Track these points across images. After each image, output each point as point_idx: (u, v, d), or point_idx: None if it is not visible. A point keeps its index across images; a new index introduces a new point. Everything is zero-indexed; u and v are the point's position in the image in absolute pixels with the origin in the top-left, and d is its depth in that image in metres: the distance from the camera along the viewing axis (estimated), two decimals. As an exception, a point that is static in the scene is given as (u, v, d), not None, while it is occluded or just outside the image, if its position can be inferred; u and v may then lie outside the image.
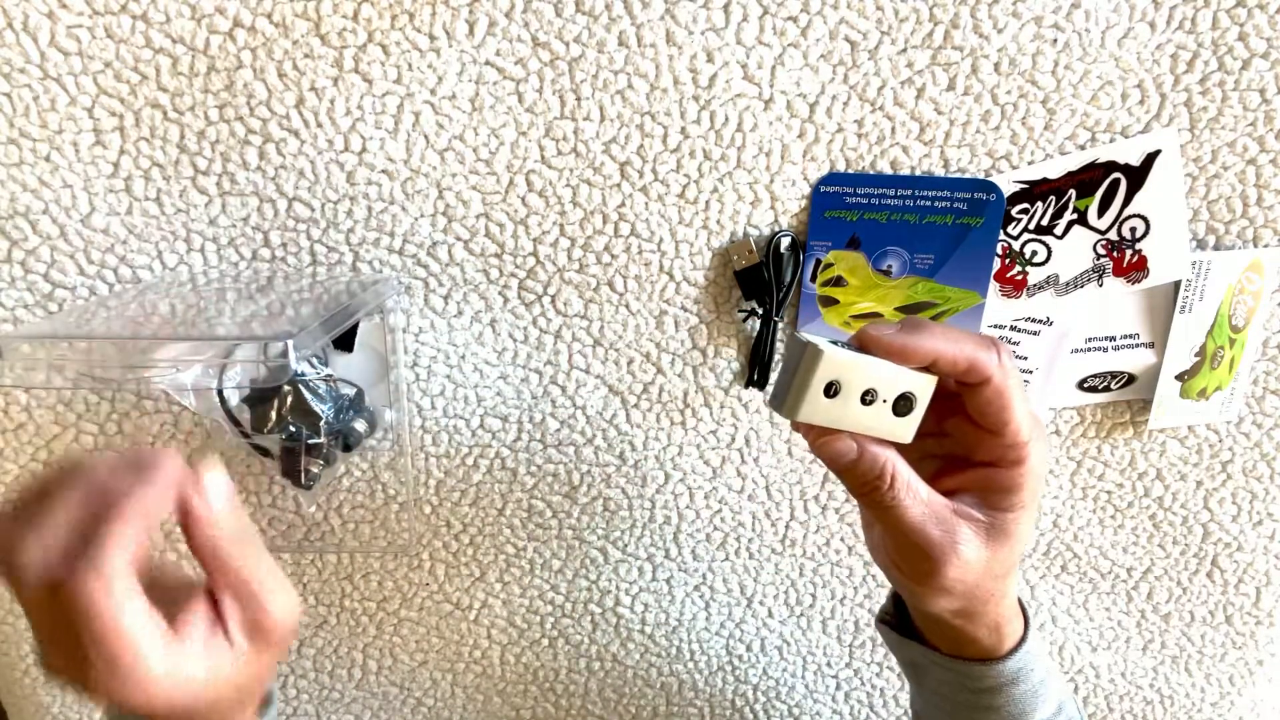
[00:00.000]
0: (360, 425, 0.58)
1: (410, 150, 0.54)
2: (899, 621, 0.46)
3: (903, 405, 0.34)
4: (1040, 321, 0.59)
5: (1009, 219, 0.56)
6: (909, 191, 0.55)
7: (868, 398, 0.33)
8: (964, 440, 0.37)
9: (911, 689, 0.49)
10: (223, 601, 0.32)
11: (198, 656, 0.31)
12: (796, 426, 0.35)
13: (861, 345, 0.34)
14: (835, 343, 0.34)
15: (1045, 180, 0.55)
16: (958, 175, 0.55)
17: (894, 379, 0.34)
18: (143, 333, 0.44)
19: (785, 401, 0.33)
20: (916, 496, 0.35)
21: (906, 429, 0.35)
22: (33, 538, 0.29)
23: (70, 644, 0.29)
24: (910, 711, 0.50)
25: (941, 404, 0.36)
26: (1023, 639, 0.42)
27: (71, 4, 0.50)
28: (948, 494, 0.37)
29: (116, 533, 0.29)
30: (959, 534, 0.35)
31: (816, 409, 0.33)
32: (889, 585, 0.67)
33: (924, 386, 0.34)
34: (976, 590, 0.37)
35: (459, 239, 0.56)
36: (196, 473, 0.32)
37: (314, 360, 0.56)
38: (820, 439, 0.35)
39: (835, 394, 0.33)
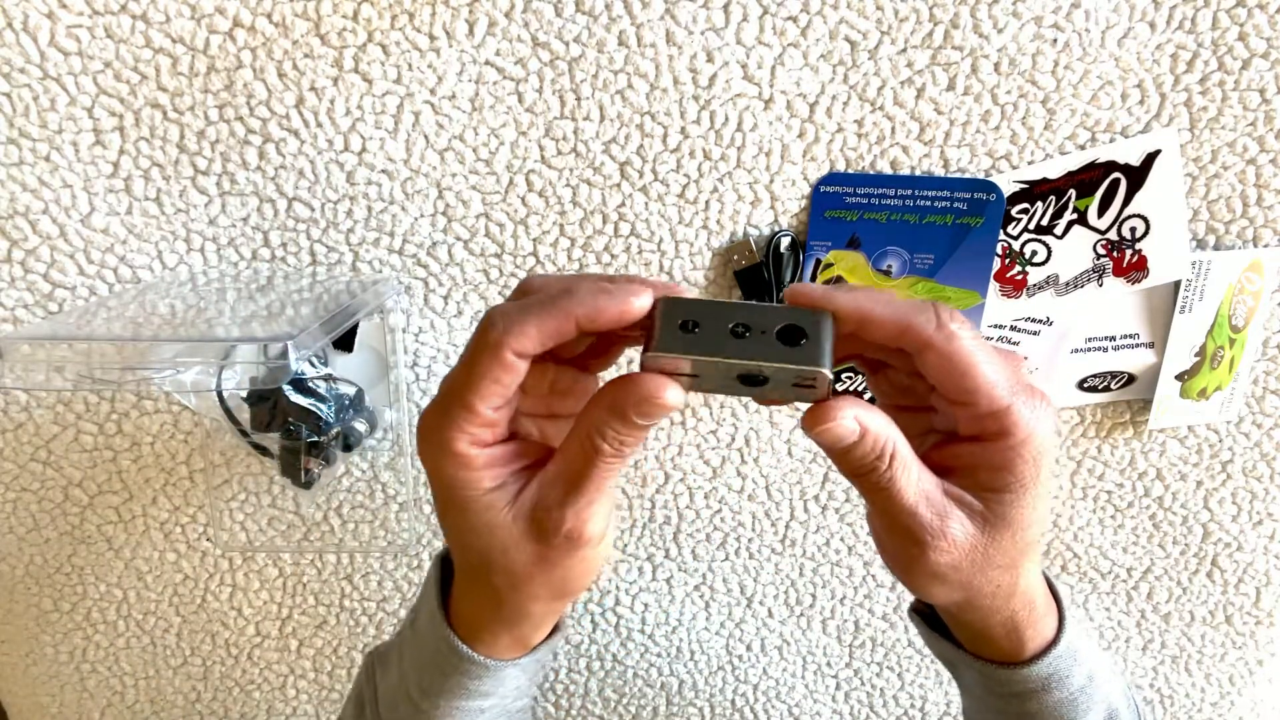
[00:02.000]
0: (360, 425, 0.58)
1: (410, 150, 0.54)
2: (930, 612, 0.42)
3: (791, 335, 0.29)
4: (1040, 321, 0.59)
5: (1009, 219, 0.56)
6: (909, 191, 0.55)
7: (738, 329, 0.29)
8: (945, 415, 0.34)
9: (957, 685, 0.46)
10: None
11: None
12: (652, 367, 0.29)
13: (788, 301, 0.31)
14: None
15: (1045, 180, 0.55)
16: (958, 175, 0.55)
17: (768, 314, 0.29)
18: (143, 333, 0.44)
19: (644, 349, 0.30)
20: (910, 476, 0.32)
21: (811, 356, 0.29)
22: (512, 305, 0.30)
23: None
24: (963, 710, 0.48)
25: (923, 377, 0.33)
26: (1054, 640, 0.38)
27: (71, 4, 0.50)
28: (941, 472, 0.33)
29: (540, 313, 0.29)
30: (949, 515, 0.32)
31: (674, 341, 0.29)
32: (888, 586, 0.67)
33: (813, 318, 0.29)
34: (975, 581, 0.34)
35: (459, 239, 0.56)
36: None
37: (314, 360, 0.56)
38: (821, 423, 0.31)
39: (694, 329, 0.29)
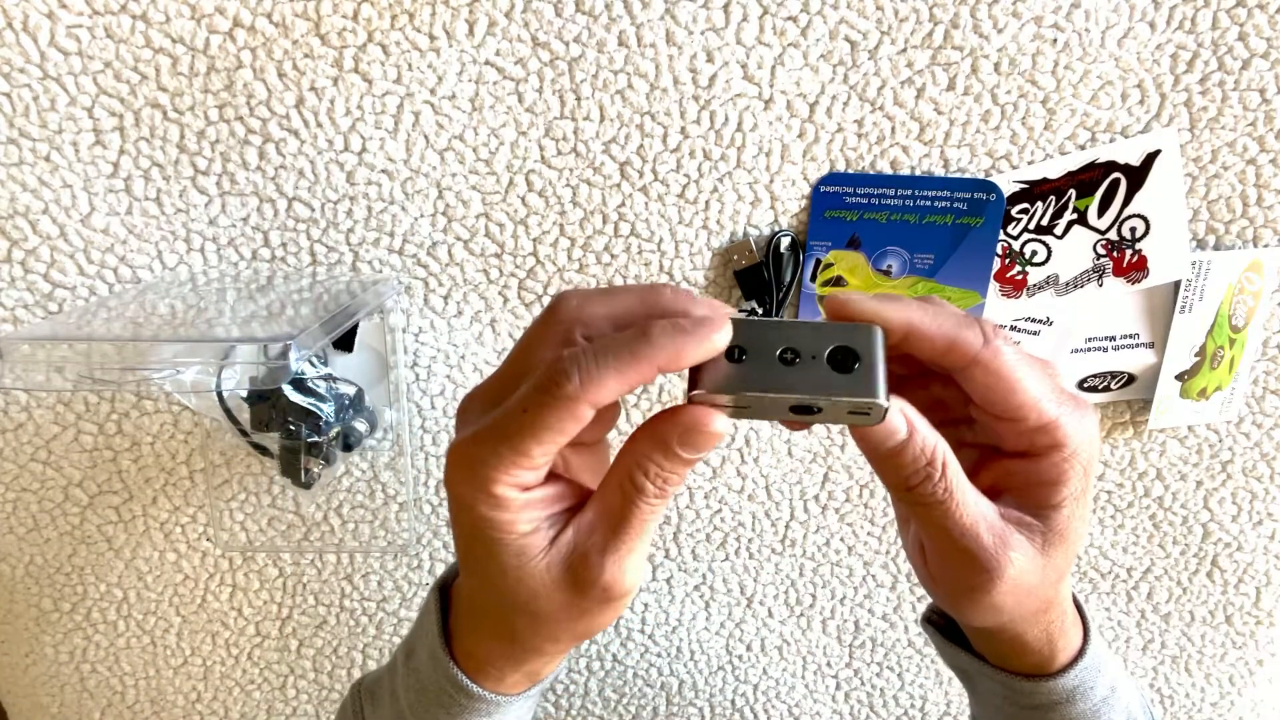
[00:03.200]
0: (360, 425, 0.58)
1: (410, 150, 0.54)
2: (947, 623, 0.41)
3: (844, 359, 0.27)
4: (1040, 321, 0.59)
5: (1009, 219, 0.56)
6: (909, 191, 0.55)
7: (787, 355, 0.27)
8: (988, 430, 0.32)
9: (968, 694, 0.45)
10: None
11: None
12: (702, 402, 0.27)
13: (828, 313, 0.29)
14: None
15: (1045, 180, 0.55)
16: (958, 175, 0.55)
17: (817, 335, 0.27)
18: (143, 333, 0.44)
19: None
20: (967, 493, 0.30)
21: (866, 384, 0.27)
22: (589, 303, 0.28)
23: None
24: (970, 715, 0.47)
25: (958, 390, 0.31)
26: (1081, 651, 0.37)
27: (71, 4, 0.50)
28: (991, 493, 0.31)
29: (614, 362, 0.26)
30: (1011, 542, 0.30)
31: (719, 377, 0.27)
32: (900, 578, 0.67)
33: (865, 338, 0.28)
34: (1027, 602, 0.32)
35: (459, 239, 0.56)
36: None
37: (314, 360, 0.56)
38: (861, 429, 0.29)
39: (741, 358, 0.27)
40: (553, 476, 0.30)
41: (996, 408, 0.30)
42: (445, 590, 0.36)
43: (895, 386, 0.28)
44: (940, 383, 0.32)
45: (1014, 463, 0.31)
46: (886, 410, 0.27)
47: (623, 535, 0.29)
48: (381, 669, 0.40)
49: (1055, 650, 0.36)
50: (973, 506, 0.30)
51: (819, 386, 0.27)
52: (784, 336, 0.27)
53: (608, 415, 0.32)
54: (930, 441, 0.29)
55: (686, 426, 0.27)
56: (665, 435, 0.28)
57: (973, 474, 0.31)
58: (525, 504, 0.29)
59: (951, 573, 0.32)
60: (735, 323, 0.27)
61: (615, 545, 0.29)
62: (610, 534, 0.29)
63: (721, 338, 0.26)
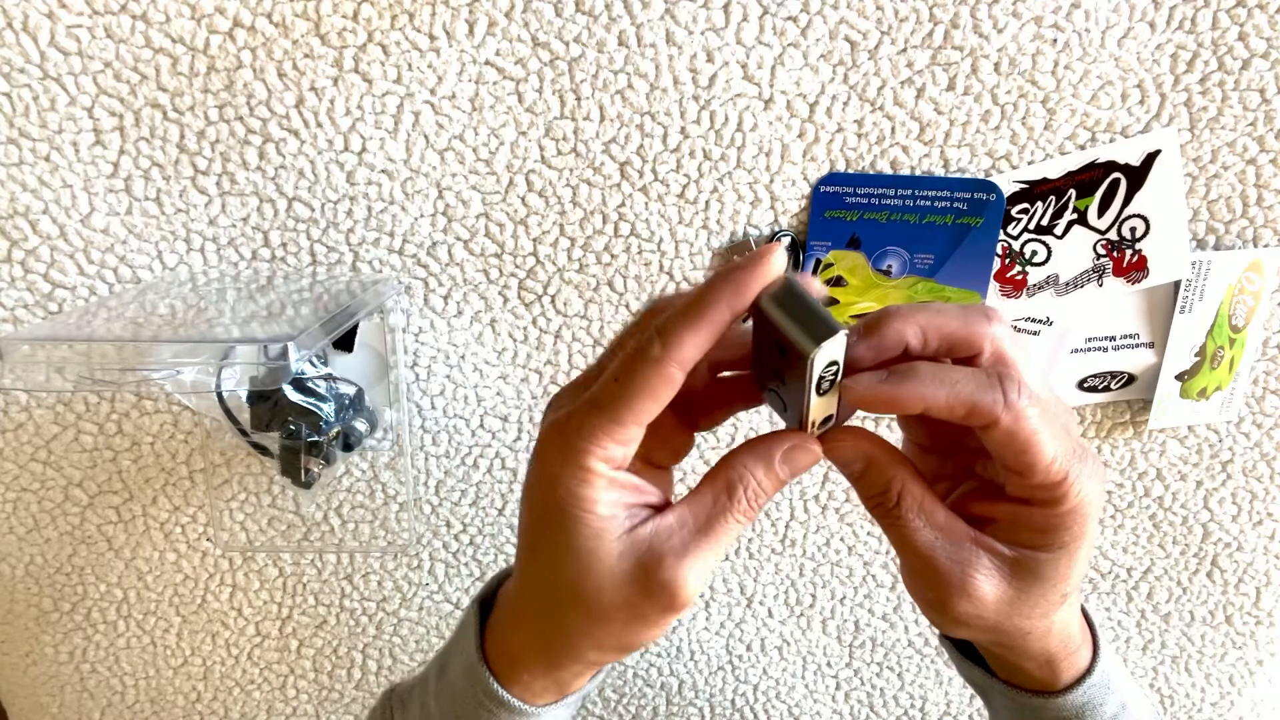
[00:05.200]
0: (360, 425, 0.58)
1: (410, 150, 0.54)
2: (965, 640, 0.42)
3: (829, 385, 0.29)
4: (1040, 321, 0.59)
5: (1009, 219, 0.56)
6: (909, 191, 0.55)
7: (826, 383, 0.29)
8: (993, 470, 0.33)
9: (986, 709, 0.45)
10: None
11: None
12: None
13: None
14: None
15: (1045, 180, 0.55)
16: (958, 175, 0.55)
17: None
18: (143, 334, 0.44)
19: None
20: (928, 520, 0.31)
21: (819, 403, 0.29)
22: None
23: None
24: None
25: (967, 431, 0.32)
26: (1089, 669, 0.37)
27: (71, 4, 0.50)
28: (978, 520, 0.32)
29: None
30: (975, 566, 0.31)
31: (822, 408, 0.30)
32: (888, 586, 0.67)
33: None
34: (1004, 626, 0.33)
35: (459, 239, 0.56)
36: None
37: (314, 360, 0.56)
38: (829, 444, 0.32)
39: (834, 382, 0.29)
40: (636, 474, 0.31)
41: (1009, 463, 0.30)
42: (483, 604, 0.36)
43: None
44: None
45: (1009, 505, 0.32)
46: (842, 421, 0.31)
47: (703, 542, 0.30)
48: (414, 679, 0.40)
49: (1058, 669, 0.37)
50: (932, 532, 0.32)
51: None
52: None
53: (674, 440, 0.33)
54: (885, 476, 0.31)
55: (794, 444, 0.30)
56: (770, 451, 0.30)
57: (968, 499, 0.33)
58: (610, 483, 0.30)
59: (918, 585, 0.33)
60: (836, 342, 0.28)
61: (693, 550, 0.30)
62: (691, 538, 0.30)
63: (778, 260, 0.28)
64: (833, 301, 0.56)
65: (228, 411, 0.56)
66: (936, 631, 0.69)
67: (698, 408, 0.33)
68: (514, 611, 0.34)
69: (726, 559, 0.66)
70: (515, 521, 0.65)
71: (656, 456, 0.33)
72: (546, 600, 0.32)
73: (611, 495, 0.30)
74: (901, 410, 0.29)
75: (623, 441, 0.29)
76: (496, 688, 0.34)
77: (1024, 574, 0.32)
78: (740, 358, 0.32)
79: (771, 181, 0.55)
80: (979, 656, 0.40)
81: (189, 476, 0.62)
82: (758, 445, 0.30)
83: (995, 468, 0.33)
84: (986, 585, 0.32)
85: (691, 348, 0.28)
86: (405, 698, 0.39)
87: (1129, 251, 0.56)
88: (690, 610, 0.68)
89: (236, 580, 0.66)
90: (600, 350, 0.60)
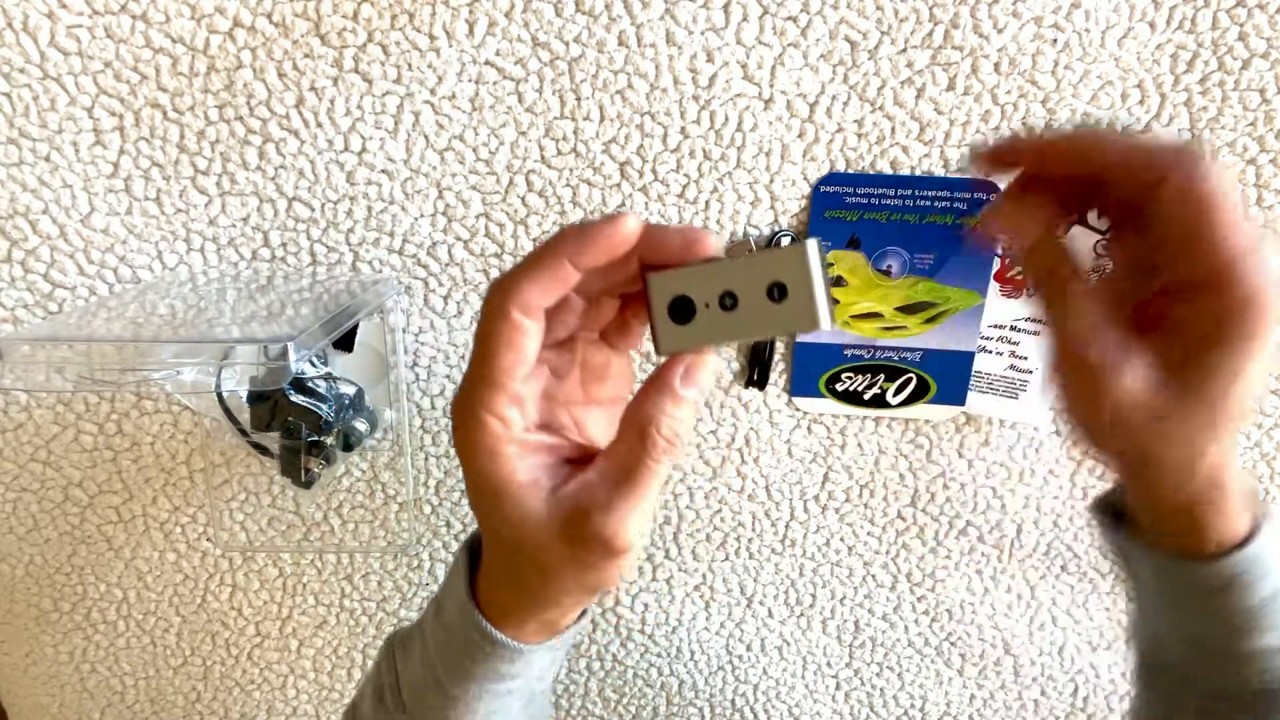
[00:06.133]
0: (360, 425, 0.58)
1: (410, 150, 0.54)
2: (1116, 509, 0.39)
3: (778, 291, 0.29)
4: (1040, 322, 0.59)
5: (1009, 219, 0.56)
6: (909, 191, 0.55)
7: (727, 302, 0.29)
8: (1156, 259, 0.30)
9: (1130, 588, 0.42)
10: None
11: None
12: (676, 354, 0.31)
13: (1005, 152, 0.31)
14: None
15: (1045, 180, 0.55)
16: (958, 175, 0.55)
17: (752, 272, 0.29)
18: (143, 334, 0.44)
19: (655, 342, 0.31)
20: (1092, 299, 0.30)
21: (804, 313, 0.29)
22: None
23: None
24: (1132, 634, 0.43)
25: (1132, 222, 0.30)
26: (1244, 542, 0.34)
27: (71, 4, 0.50)
28: (1143, 325, 0.30)
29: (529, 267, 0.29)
30: (1128, 362, 0.29)
31: (676, 336, 0.30)
32: (900, 578, 0.67)
33: (791, 262, 0.29)
34: (1149, 445, 0.31)
35: (459, 239, 0.56)
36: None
37: (314, 360, 0.56)
38: (998, 216, 0.31)
39: (689, 312, 0.30)
40: (554, 431, 0.32)
41: (1179, 229, 0.28)
42: (473, 549, 0.37)
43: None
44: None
45: (1175, 301, 0.30)
46: (826, 330, 0.30)
47: (626, 491, 0.30)
48: (413, 624, 0.41)
49: (1205, 528, 0.34)
50: (1093, 314, 0.30)
51: (761, 326, 0.29)
52: (722, 281, 0.29)
53: (609, 370, 0.34)
54: (1061, 245, 0.31)
55: (688, 362, 0.30)
56: (667, 378, 0.30)
57: (1132, 312, 0.31)
58: (521, 449, 0.30)
59: (1068, 379, 0.32)
60: (675, 275, 0.29)
61: (618, 501, 0.30)
62: (614, 489, 0.30)
63: (627, 226, 0.28)
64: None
65: (228, 411, 0.56)
66: (918, 615, 0.68)
67: (611, 336, 0.34)
68: (488, 566, 0.35)
69: (726, 559, 0.66)
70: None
71: (599, 393, 0.34)
72: (506, 561, 0.33)
73: (525, 462, 0.31)
74: (1077, 161, 0.29)
75: (512, 400, 0.30)
76: (488, 627, 0.35)
77: (1180, 382, 0.29)
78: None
79: (771, 181, 0.55)
80: (1129, 526, 0.38)
81: (189, 476, 0.62)
82: (654, 380, 0.30)
83: (1168, 265, 0.30)
84: (1137, 384, 0.29)
85: (529, 294, 0.29)
86: (405, 641, 0.40)
87: (1129, 251, 0.56)
88: (684, 613, 0.68)
89: (236, 580, 0.66)
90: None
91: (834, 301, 0.29)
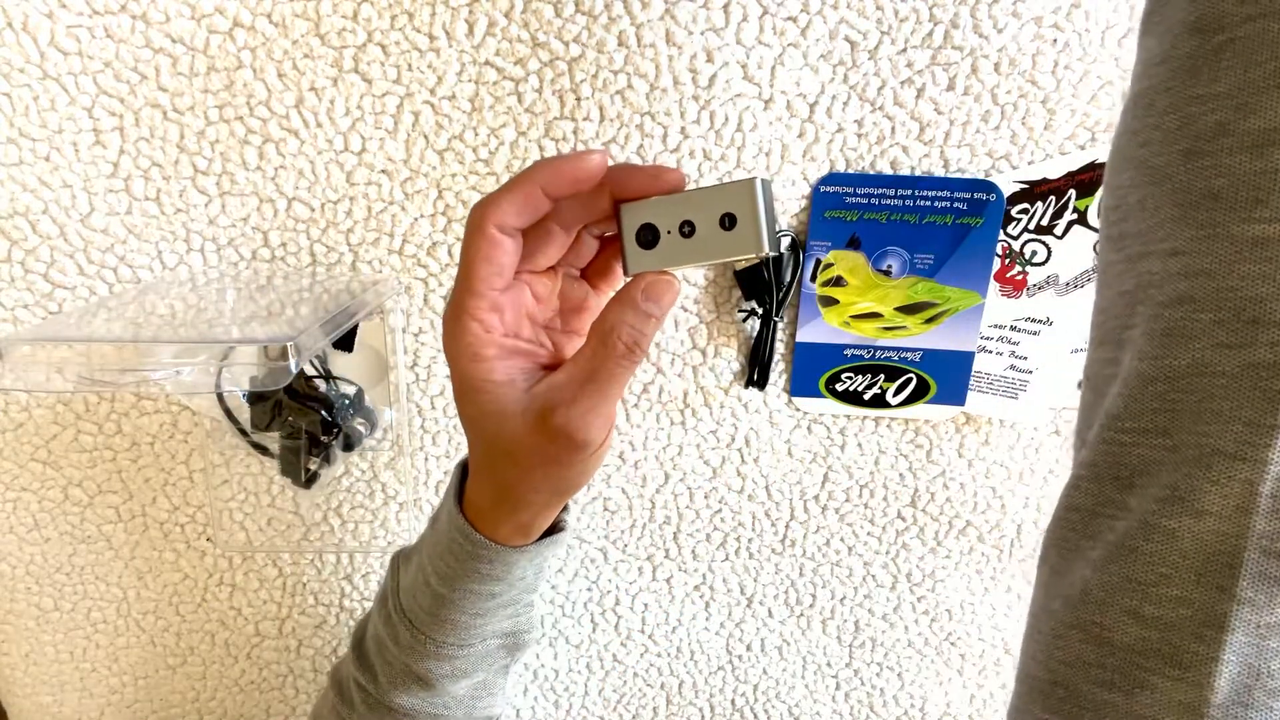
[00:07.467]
0: (360, 425, 0.58)
1: (410, 150, 0.54)
2: None
3: (729, 221, 0.33)
4: (1040, 321, 0.59)
5: (1009, 219, 0.56)
6: (909, 191, 0.55)
7: (685, 230, 0.33)
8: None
9: None
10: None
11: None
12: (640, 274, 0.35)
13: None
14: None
15: (1045, 180, 0.55)
16: (958, 175, 0.55)
17: (707, 203, 0.33)
18: (143, 334, 0.44)
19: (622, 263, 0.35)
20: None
21: (750, 239, 0.33)
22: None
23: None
24: None
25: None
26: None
27: (71, 4, 0.50)
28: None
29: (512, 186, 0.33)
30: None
31: (641, 259, 0.34)
32: (900, 578, 0.67)
33: (740, 195, 0.33)
34: None
35: (459, 239, 0.56)
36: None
37: (314, 360, 0.56)
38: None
39: (653, 238, 0.34)
40: (531, 339, 0.36)
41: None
42: (466, 465, 0.41)
43: None
44: None
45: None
46: (772, 255, 0.34)
47: (589, 390, 0.34)
48: (416, 541, 0.45)
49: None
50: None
51: (714, 251, 0.33)
52: (682, 211, 0.33)
53: (588, 304, 0.38)
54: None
55: (649, 283, 0.33)
56: (631, 294, 0.33)
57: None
58: (500, 351, 0.34)
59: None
60: (641, 206, 0.34)
61: (581, 398, 0.34)
62: (578, 388, 0.34)
63: (594, 160, 0.32)
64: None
65: (228, 411, 0.56)
66: (918, 615, 0.69)
67: (591, 276, 0.39)
68: (474, 470, 0.39)
69: (726, 559, 0.66)
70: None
71: (577, 297, 0.39)
72: (486, 457, 0.37)
73: (503, 364, 0.35)
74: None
75: (491, 309, 0.34)
76: (468, 526, 0.39)
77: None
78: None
79: (771, 181, 0.55)
80: None
81: (189, 476, 0.62)
82: (620, 295, 0.34)
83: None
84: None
85: (504, 214, 0.33)
86: (407, 555, 0.44)
87: (1129, 251, 0.56)
88: (684, 613, 0.68)
89: (236, 580, 0.66)
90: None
91: (778, 231, 0.33)
